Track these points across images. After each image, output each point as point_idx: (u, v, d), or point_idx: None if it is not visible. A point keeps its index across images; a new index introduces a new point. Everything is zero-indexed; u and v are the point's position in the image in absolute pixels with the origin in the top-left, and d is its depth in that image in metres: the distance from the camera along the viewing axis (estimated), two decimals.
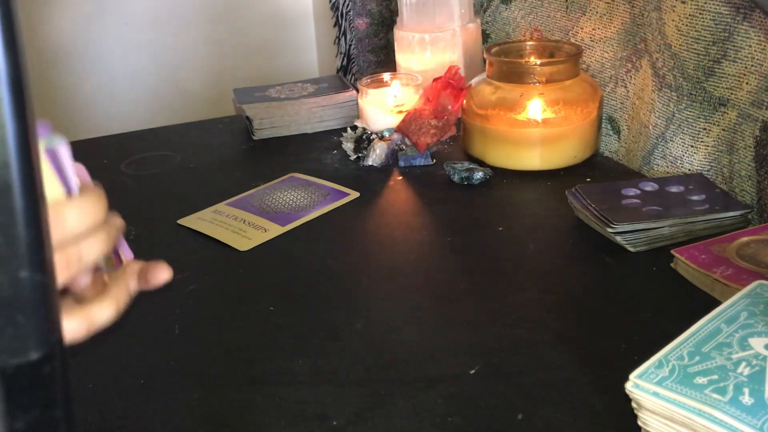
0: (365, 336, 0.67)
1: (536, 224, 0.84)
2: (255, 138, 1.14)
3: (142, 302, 0.74)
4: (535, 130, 0.95)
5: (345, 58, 1.55)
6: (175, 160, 1.09)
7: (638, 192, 0.83)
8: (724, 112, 0.84)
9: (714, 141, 0.85)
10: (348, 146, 1.05)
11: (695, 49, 0.84)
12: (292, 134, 1.15)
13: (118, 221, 0.38)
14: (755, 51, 0.79)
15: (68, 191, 0.35)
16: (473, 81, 1.03)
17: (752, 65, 0.79)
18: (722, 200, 0.80)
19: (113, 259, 0.43)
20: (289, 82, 1.27)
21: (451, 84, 1.01)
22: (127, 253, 0.44)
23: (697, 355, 0.50)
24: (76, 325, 0.37)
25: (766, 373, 0.48)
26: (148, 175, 1.03)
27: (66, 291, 0.38)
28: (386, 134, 1.04)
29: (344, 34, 1.54)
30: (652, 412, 0.49)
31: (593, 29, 1.03)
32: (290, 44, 1.78)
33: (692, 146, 0.87)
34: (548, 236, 0.82)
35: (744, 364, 0.49)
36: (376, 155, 1.01)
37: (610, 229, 0.77)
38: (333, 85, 1.23)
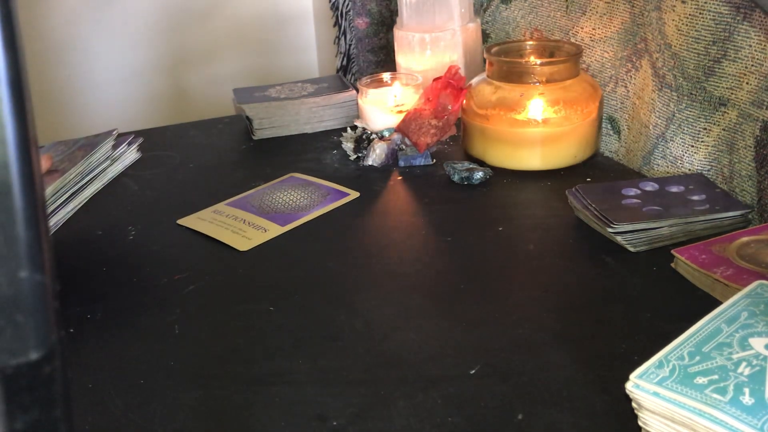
0: (365, 336, 0.67)
1: (536, 224, 0.84)
2: (255, 138, 1.14)
3: (142, 302, 0.74)
4: (535, 130, 0.95)
5: (345, 58, 1.55)
6: (175, 160, 1.08)
7: (638, 192, 0.83)
8: (725, 112, 0.84)
9: (714, 141, 0.85)
10: (348, 146, 1.05)
11: (695, 48, 0.84)
12: (292, 134, 1.15)
13: None
14: (755, 51, 0.79)
15: None
16: (473, 81, 1.03)
17: (752, 65, 0.79)
18: (722, 200, 0.80)
19: None
20: (289, 82, 1.27)
21: (451, 84, 1.01)
22: None
23: (698, 355, 0.50)
24: None
25: (766, 373, 0.48)
26: (148, 175, 1.03)
27: None
28: (386, 134, 1.04)
29: (344, 33, 1.54)
30: (652, 412, 0.49)
31: (593, 29, 1.03)
32: (290, 44, 1.78)
33: (692, 146, 0.87)
34: (548, 236, 0.82)
35: (744, 364, 0.49)
36: (376, 155, 1.01)
37: (610, 229, 0.77)
38: (333, 85, 1.23)
